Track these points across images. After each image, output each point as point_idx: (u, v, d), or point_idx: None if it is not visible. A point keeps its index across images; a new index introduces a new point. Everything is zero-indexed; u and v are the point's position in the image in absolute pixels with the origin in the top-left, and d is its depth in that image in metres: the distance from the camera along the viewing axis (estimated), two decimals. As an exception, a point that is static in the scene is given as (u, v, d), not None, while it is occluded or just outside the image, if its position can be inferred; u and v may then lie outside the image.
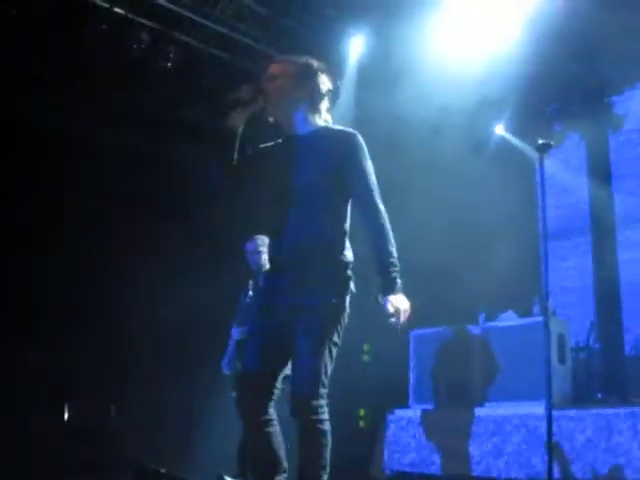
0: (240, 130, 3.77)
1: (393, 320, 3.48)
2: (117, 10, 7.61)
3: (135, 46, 7.75)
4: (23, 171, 7.52)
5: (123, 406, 8.09)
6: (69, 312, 7.77)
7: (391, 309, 3.46)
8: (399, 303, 3.47)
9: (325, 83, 3.83)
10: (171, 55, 7.88)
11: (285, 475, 3.55)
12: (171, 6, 7.78)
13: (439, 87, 8.07)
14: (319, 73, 3.81)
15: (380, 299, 3.52)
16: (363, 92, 8.49)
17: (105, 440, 7.73)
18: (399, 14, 7.85)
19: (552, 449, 3.70)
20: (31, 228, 7.63)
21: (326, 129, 3.78)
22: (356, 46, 8.54)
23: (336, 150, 3.65)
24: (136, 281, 7.87)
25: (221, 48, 8.34)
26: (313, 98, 3.78)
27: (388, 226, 3.60)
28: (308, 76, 3.78)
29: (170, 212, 8.28)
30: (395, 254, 3.55)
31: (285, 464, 3.57)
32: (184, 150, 8.25)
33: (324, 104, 3.84)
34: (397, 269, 3.54)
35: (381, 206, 3.62)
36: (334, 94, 3.94)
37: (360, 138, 3.67)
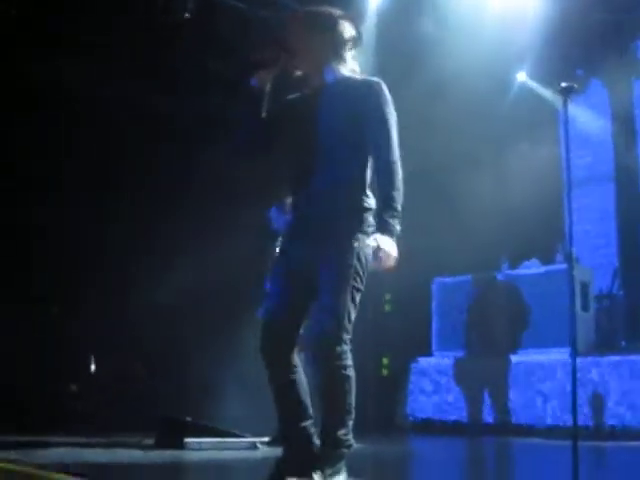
0: (268, 88, 3.76)
1: (374, 261, 3.47)
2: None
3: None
4: (39, 131, 7.52)
5: (149, 363, 8.18)
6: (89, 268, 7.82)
7: (376, 247, 3.44)
8: (385, 245, 3.44)
9: (347, 31, 3.79)
10: (189, 6, 7.80)
11: (311, 421, 3.58)
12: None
13: (461, 34, 7.96)
14: (340, 21, 3.78)
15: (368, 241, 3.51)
16: (384, 40, 8.39)
17: (132, 393, 7.83)
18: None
19: (575, 396, 3.67)
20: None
21: (349, 79, 3.74)
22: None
23: (359, 99, 3.63)
24: (160, 236, 7.92)
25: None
26: (336, 47, 3.75)
27: (398, 171, 3.55)
28: (329, 26, 3.74)
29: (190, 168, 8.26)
30: (398, 200, 3.51)
31: (311, 410, 3.60)
32: (206, 103, 8.18)
33: (349, 52, 3.81)
34: (396, 214, 3.50)
35: (395, 152, 3.58)
36: (358, 40, 3.90)
37: (384, 86, 3.64)
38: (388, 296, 9.95)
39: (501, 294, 8.38)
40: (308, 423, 3.56)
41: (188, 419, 5.98)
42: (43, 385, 7.39)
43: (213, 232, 8.12)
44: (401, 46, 8.28)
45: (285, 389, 3.58)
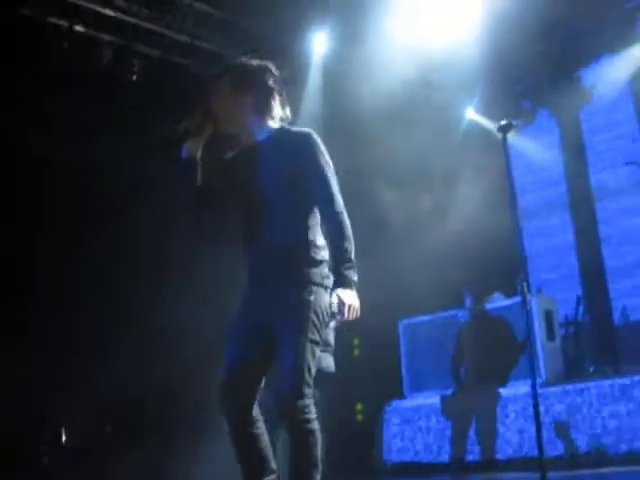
0: (199, 156, 3.76)
1: (337, 316, 3.48)
2: (77, 28, 7.58)
3: (99, 62, 7.73)
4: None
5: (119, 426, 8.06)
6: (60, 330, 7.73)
7: (337, 303, 3.46)
8: (347, 298, 3.46)
9: (270, 80, 3.77)
10: (135, 68, 7.86)
11: (274, 476, 3.55)
12: (131, 19, 7.78)
13: (407, 76, 8.06)
14: (264, 72, 3.77)
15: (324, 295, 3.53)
16: (330, 87, 8.48)
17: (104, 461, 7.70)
18: (361, 6, 7.86)
19: (539, 427, 3.67)
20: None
21: (280, 131, 3.75)
22: (320, 42, 8.53)
23: (294, 153, 3.63)
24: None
25: (184, 56, 8.32)
26: (259, 103, 3.74)
27: (345, 222, 3.57)
28: (251, 78, 3.74)
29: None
30: (350, 250, 3.53)
31: (273, 465, 3.57)
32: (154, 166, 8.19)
33: (274, 101, 3.79)
34: (350, 265, 3.52)
35: (338, 203, 3.59)
36: (284, 88, 3.87)
37: (315, 136, 3.65)
38: (357, 341, 9.92)
39: (464, 331, 8.39)
40: (271, 478, 3.53)
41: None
42: (15, 457, 7.25)
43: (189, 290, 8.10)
44: (345, 90, 8.35)
45: (246, 444, 3.56)
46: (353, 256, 3.54)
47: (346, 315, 3.47)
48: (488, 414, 7.84)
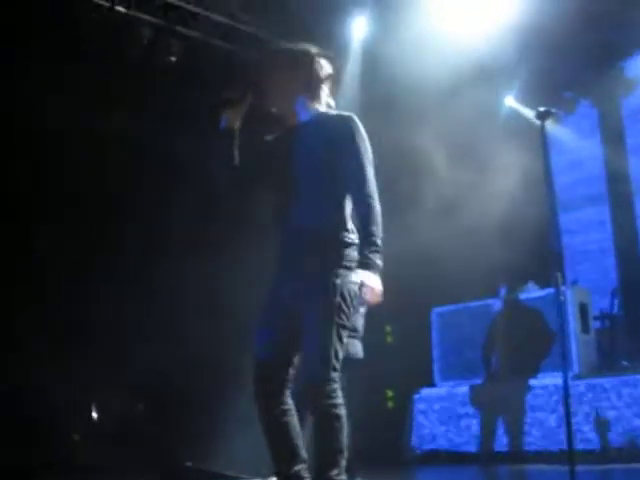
0: (237, 128, 3.77)
1: (359, 299, 3.48)
2: (118, 8, 7.59)
3: (138, 42, 7.74)
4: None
5: (150, 407, 8.13)
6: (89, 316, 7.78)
7: (361, 284, 3.46)
8: (369, 281, 3.45)
9: (323, 68, 3.81)
10: (174, 49, 7.86)
11: (304, 465, 3.54)
12: (171, 0, 7.78)
13: (447, 62, 7.98)
14: (316, 59, 3.79)
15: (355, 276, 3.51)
16: (369, 74, 8.43)
17: (133, 438, 7.78)
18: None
19: (570, 419, 3.64)
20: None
21: (322, 115, 3.76)
22: (359, 27, 8.49)
23: (333, 135, 3.64)
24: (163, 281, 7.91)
25: (224, 39, 8.31)
26: (311, 86, 3.76)
27: (375, 206, 3.55)
28: (303, 65, 3.76)
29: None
30: (377, 234, 3.51)
31: (304, 453, 3.56)
32: (190, 145, 8.20)
33: (324, 90, 3.83)
34: (376, 249, 3.50)
35: (370, 187, 3.58)
36: (336, 78, 3.91)
37: (356, 120, 3.65)
38: (389, 328, 9.91)
39: (498, 320, 8.34)
40: (301, 467, 3.52)
41: (188, 464, 5.94)
42: (44, 434, 7.34)
43: (219, 279, 8.11)
44: (384, 79, 8.30)
45: (276, 431, 3.55)
46: (379, 241, 3.52)
47: (368, 298, 3.45)
48: (518, 405, 7.80)
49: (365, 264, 3.48)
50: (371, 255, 3.48)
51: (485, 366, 8.40)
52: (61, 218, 7.65)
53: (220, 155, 3.78)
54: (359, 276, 3.46)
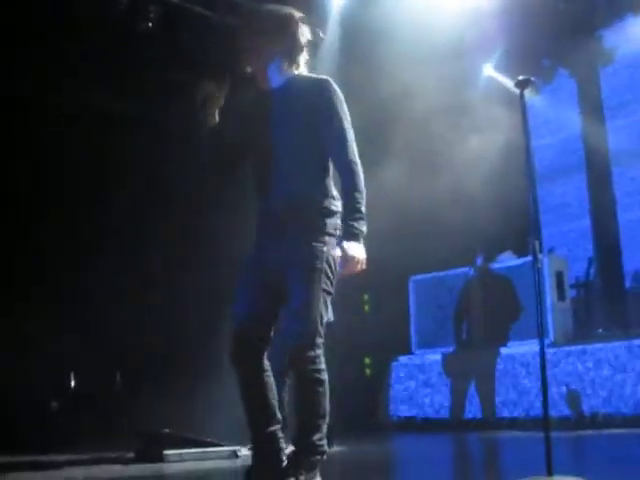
0: (216, 119, 3.73)
1: (342, 267, 3.47)
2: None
3: (115, 8, 7.63)
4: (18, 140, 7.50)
5: (128, 375, 8.14)
6: (70, 281, 7.76)
7: (343, 255, 3.44)
8: (352, 249, 3.44)
9: (304, 34, 3.76)
10: (151, 15, 7.76)
11: (279, 426, 3.56)
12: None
13: (425, 33, 7.94)
14: (298, 24, 3.73)
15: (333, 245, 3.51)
16: (347, 43, 8.38)
17: (111, 407, 7.79)
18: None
19: (545, 387, 3.68)
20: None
21: (298, 79, 3.70)
22: (338, -4, 8.43)
23: (310, 99, 3.60)
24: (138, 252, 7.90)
25: (202, 5, 8.20)
26: (291, 51, 3.70)
27: (358, 172, 3.53)
28: (285, 28, 3.69)
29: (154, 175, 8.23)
30: (360, 201, 3.49)
31: (279, 414, 3.59)
32: (169, 111, 8.15)
33: (303, 56, 3.77)
34: (360, 216, 3.48)
35: (352, 153, 3.55)
36: (315, 44, 3.88)
37: (332, 84, 3.60)
38: (366, 296, 9.95)
39: (476, 288, 8.39)
40: (276, 427, 3.55)
41: (167, 431, 5.95)
42: (23, 403, 7.33)
43: (192, 247, 8.12)
44: (363, 45, 8.26)
45: (252, 391, 3.57)
46: (363, 207, 3.50)
47: (351, 266, 3.46)
48: (491, 373, 7.88)
49: (350, 233, 3.46)
50: (355, 223, 3.46)
51: (456, 334, 8.47)
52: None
53: (202, 122, 3.74)
54: (342, 246, 3.46)
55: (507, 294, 8.00)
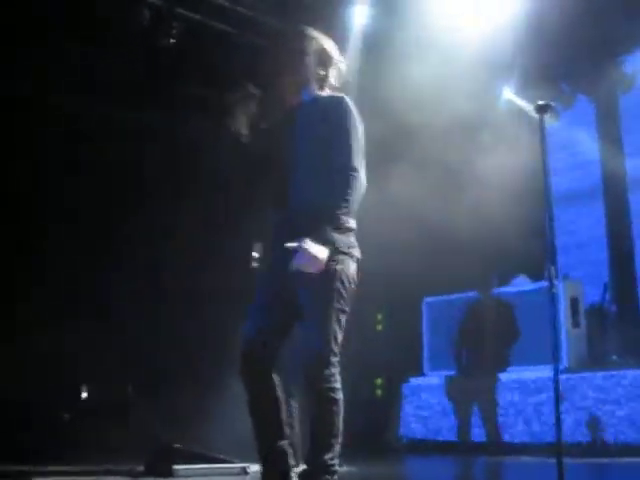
0: (246, 128, 3.78)
1: (295, 261, 3.44)
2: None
3: (138, 22, 7.70)
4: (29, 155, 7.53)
5: (140, 388, 8.14)
6: (80, 295, 7.78)
7: (300, 250, 3.42)
8: (313, 248, 3.42)
9: (330, 50, 3.84)
10: (174, 31, 7.82)
11: (286, 442, 3.57)
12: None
13: (445, 55, 7.97)
14: (324, 45, 3.81)
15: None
16: (367, 61, 8.41)
17: (122, 419, 7.79)
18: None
19: (558, 412, 3.67)
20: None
21: (318, 97, 3.79)
22: (360, 14, 8.46)
23: (324, 117, 3.66)
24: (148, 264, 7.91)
25: (224, 22, 8.27)
26: (317, 69, 3.80)
27: (352, 184, 3.51)
28: (309, 49, 3.79)
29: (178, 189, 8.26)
30: (343, 209, 3.48)
31: (287, 431, 3.59)
32: (192, 126, 8.19)
33: (332, 75, 3.85)
34: (333, 220, 3.47)
35: (356, 169, 3.54)
36: (338, 60, 3.92)
37: (347, 101, 3.66)
38: (380, 316, 9.92)
39: (490, 312, 8.36)
40: (283, 443, 3.55)
41: (177, 445, 5.95)
42: (34, 414, 7.35)
43: (205, 262, 8.13)
44: (384, 62, 8.30)
45: (261, 410, 3.58)
46: (342, 215, 3.48)
47: (307, 264, 3.42)
48: (492, 397, 7.86)
49: (316, 234, 3.44)
50: (324, 225, 3.45)
51: (472, 357, 8.43)
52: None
53: (228, 136, 3.79)
54: (308, 243, 3.41)
55: (508, 319, 7.98)
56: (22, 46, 7.20)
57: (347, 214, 3.51)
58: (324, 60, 3.82)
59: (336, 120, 3.63)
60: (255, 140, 3.79)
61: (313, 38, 3.82)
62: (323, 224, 3.49)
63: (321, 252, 3.44)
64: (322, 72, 3.81)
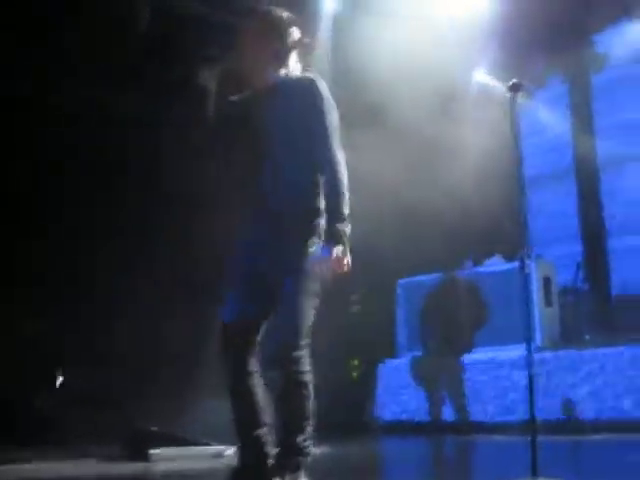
0: (213, 86, 3.78)
1: (324, 267, 3.46)
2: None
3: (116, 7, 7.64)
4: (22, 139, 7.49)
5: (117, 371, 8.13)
6: (66, 280, 7.75)
7: (326, 256, 3.44)
8: (336, 252, 3.43)
9: (293, 35, 3.80)
10: (147, 10, 7.77)
11: (266, 428, 3.57)
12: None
13: (416, 36, 7.95)
14: (286, 26, 3.78)
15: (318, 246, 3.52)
16: (339, 44, 8.40)
17: (99, 404, 7.78)
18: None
19: (532, 391, 3.70)
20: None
21: (287, 80, 3.75)
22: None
23: (296, 100, 3.64)
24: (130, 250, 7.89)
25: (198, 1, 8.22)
26: (280, 52, 3.76)
27: (341, 175, 3.53)
28: (274, 30, 3.75)
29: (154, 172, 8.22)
30: (342, 203, 3.50)
31: (267, 418, 3.59)
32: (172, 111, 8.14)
33: (292, 56, 3.81)
34: (342, 218, 3.49)
35: (337, 155, 3.56)
36: (307, 45, 3.90)
37: (318, 83, 3.64)
38: (355, 297, 9.94)
39: (463, 292, 8.40)
40: (263, 430, 3.55)
41: (153, 429, 5.96)
42: (7, 399, 7.32)
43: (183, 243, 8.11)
44: (355, 49, 8.28)
45: (241, 394, 3.58)
46: (345, 208, 3.50)
47: (338, 269, 3.46)
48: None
49: (332, 234, 3.47)
50: (338, 224, 3.48)
51: (450, 337, 8.46)
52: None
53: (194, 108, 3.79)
54: (331, 250, 3.45)
55: (481, 299, 8.04)
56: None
57: (344, 213, 3.51)
58: (289, 44, 3.77)
59: (311, 108, 3.60)
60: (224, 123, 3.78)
61: (277, 18, 3.78)
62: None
63: (344, 252, 3.47)
64: (286, 56, 3.76)
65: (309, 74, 3.74)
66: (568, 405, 7.23)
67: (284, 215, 3.56)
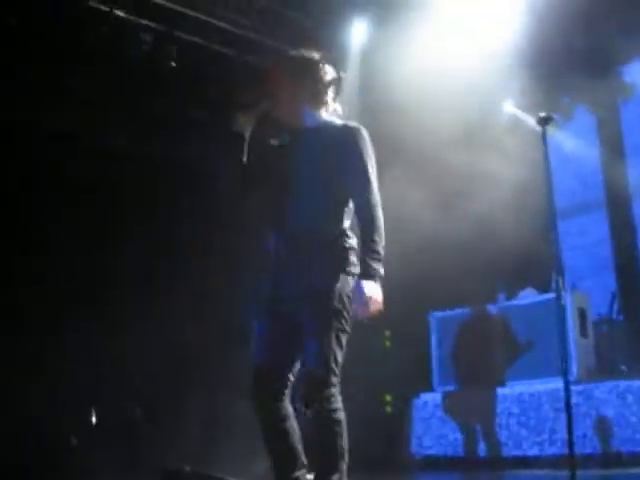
0: (249, 132, 3.79)
1: (358, 306, 3.48)
2: (118, 12, 7.59)
3: (138, 47, 7.74)
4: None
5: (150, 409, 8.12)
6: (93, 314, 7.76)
7: (360, 295, 3.46)
8: (369, 290, 3.46)
9: (328, 73, 3.85)
10: (174, 55, 7.86)
11: (304, 470, 3.56)
12: (172, 5, 7.77)
13: (444, 69, 7.99)
14: (320, 65, 3.83)
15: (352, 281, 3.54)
16: (367, 79, 8.45)
17: (131, 442, 7.77)
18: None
19: (570, 423, 3.66)
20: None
21: (329, 124, 3.79)
22: (359, 33, 8.51)
23: (338, 145, 3.68)
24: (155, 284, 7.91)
25: (225, 44, 8.31)
26: (315, 92, 3.80)
27: (378, 214, 3.58)
28: (308, 70, 3.80)
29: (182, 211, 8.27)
30: (379, 242, 3.53)
31: (303, 459, 3.58)
32: (193, 150, 8.20)
33: (329, 95, 3.85)
34: (377, 257, 3.51)
35: (374, 195, 3.61)
36: (339, 82, 3.94)
37: (363, 132, 3.69)
38: (388, 332, 9.90)
39: (496, 326, 8.34)
40: (300, 473, 3.54)
41: (187, 469, 5.92)
42: (42, 439, 7.33)
43: (210, 286, 8.13)
44: (383, 84, 8.32)
45: (276, 436, 3.57)
46: (381, 249, 3.53)
47: (370, 307, 3.46)
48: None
49: (366, 273, 3.49)
50: (373, 263, 3.49)
51: (484, 371, 8.38)
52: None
53: (229, 154, 3.80)
54: (364, 287, 3.46)
55: (534, 330, 7.96)
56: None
57: (379, 253, 3.53)
58: (324, 82, 3.81)
59: (353, 155, 3.64)
60: (254, 157, 3.80)
61: (310, 58, 3.84)
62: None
63: (377, 290, 3.49)
64: (321, 96, 3.82)
65: (353, 123, 3.76)
66: (606, 438, 7.13)
67: (307, 253, 3.58)
